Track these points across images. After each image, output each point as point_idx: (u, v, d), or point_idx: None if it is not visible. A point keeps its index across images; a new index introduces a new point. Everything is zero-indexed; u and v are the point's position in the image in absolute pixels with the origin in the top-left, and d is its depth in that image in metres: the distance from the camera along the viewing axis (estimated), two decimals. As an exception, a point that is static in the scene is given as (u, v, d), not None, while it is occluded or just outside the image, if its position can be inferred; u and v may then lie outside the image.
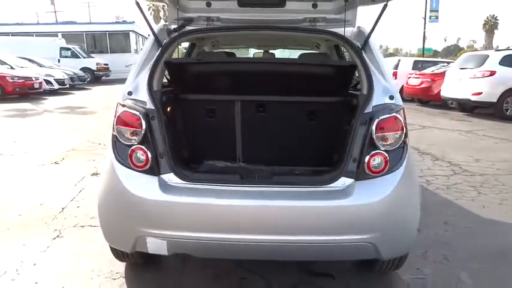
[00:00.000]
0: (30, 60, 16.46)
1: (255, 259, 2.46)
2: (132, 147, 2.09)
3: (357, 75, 2.70)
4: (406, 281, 2.55)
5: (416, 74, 13.22)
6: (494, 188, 4.45)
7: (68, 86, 16.25)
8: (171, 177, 2.09)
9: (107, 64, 22.20)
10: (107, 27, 25.62)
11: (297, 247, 2.06)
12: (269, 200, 2.02)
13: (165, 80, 2.79)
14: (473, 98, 10.04)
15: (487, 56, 10.33)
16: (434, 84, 12.11)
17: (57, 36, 23.41)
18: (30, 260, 2.74)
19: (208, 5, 2.78)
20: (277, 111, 2.90)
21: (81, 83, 18.62)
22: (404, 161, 2.09)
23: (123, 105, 2.20)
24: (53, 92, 15.00)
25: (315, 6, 2.78)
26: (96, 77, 21.44)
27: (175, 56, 2.91)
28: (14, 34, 22.70)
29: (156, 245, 2.08)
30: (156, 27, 2.64)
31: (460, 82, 10.47)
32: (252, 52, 7.24)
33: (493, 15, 60.27)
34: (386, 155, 2.05)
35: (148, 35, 2.69)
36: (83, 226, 3.31)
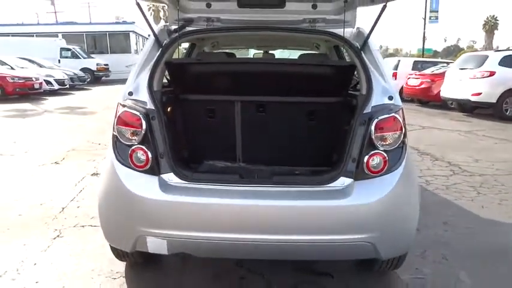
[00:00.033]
0: (30, 61, 16.48)
1: (255, 258, 2.47)
2: (133, 147, 2.10)
3: (356, 75, 2.71)
4: (405, 280, 2.55)
5: (416, 75, 13.23)
6: (494, 188, 4.45)
7: (68, 86, 16.26)
8: (171, 177, 2.10)
9: (107, 64, 22.21)
10: (107, 28, 25.63)
11: (296, 246, 2.07)
12: (269, 199, 2.03)
13: (165, 81, 2.80)
14: (473, 99, 10.05)
15: (487, 57, 10.34)
16: (434, 84, 12.13)
17: (58, 36, 23.41)
18: (31, 260, 2.75)
19: (208, 5, 2.79)
20: (277, 112, 2.91)
21: (81, 83, 18.63)
22: (403, 161, 2.10)
23: (124, 106, 2.21)
24: (53, 93, 15.01)
25: (314, 7, 2.79)
26: (96, 78, 21.45)
27: (175, 56, 2.92)
28: (14, 35, 22.71)
29: (156, 245, 2.09)
30: (156, 28, 2.65)
31: (459, 82, 10.48)
32: (252, 53, 7.24)
33: (493, 16, 60.33)
34: (385, 155, 2.06)
35: (149, 36, 2.70)
36: (83, 226, 3.32)
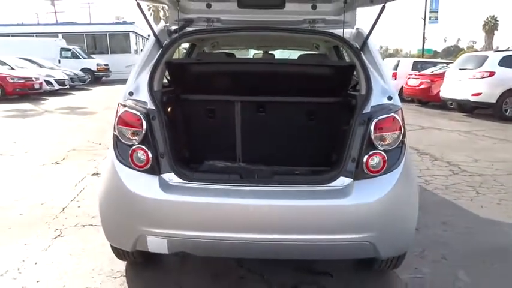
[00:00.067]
0: (30, 61, 16.47)
1: (255, 258, 2.48)
2: (133, 147, 2.11)
3: (356, 75, 2.72)
4: (405, 280, 2.56)
5: (416, 75, 13.24)
6: (493, 188, 4.46)
7: (68, 86, 16.27)
8: (171, 177, 2.11)
9: (107, 65, 22.22)
10: (107, 28, 25.64)
11: (296, 246, 2.07)
12: (268, 199, 2.04)
13: (165, 81, 2.81)
14: (473, 99, 10.06)
15: (487, 57, 10.34)
16: (434, 84, 12.14)
17: (58, 36, 23.41)
18: (32, 259, 2.76)
19: (209, 6, 2.81)
20: (276, 112, 2.92)
21: (81, 83, 18.63)
22: (402, 160, 2.11)
23: (124, 106, 2.22)
24: (53, 93, 15.02)
25: (314, 7, 2.80)
26: (96, 78, 21.45)
27: (175, 56, 2.93)
28: (14, 35, 22.72)
29: (156, 244, 2.10)
30: (156, 28, 2.66)
31: (459, 83, 10.49)
32: (252, 53, 7.25)
33: (493, 16, 60.22)
34: (385, 154, 2.07)
35: (149, 36, 2.71)
36: (83, 225, 3.32)
